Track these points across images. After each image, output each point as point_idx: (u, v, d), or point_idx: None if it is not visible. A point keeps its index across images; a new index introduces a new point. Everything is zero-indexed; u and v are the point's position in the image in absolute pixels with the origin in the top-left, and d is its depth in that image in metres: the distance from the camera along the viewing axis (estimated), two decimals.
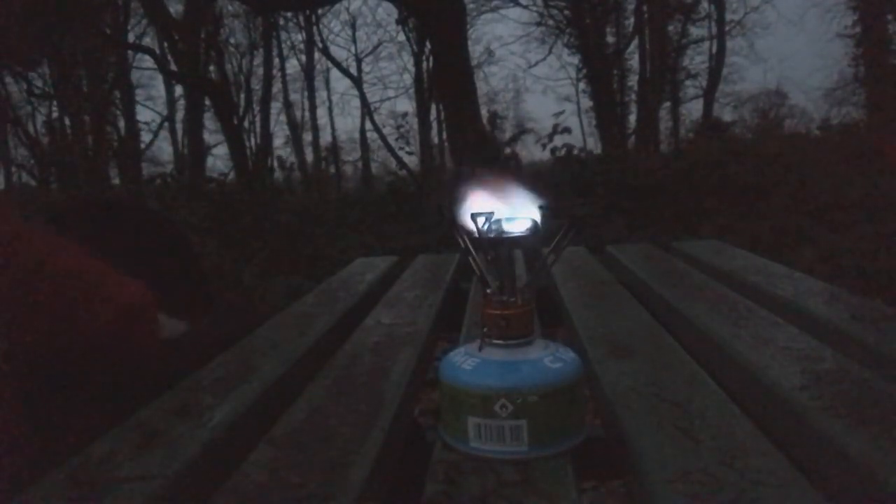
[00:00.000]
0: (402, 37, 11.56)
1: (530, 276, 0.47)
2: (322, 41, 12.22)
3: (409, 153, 8.61)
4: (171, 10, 9.53)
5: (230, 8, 10.50)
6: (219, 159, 11.13)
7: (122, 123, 12.76)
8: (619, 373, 0.57)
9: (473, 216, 0.44)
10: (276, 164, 10.70)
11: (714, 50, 11.77)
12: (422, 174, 7.57)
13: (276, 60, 12.24)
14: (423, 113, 11.27)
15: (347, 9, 12.17)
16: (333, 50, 13.49)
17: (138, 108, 13.05)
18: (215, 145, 11.27)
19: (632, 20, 11.92)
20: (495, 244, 0.45)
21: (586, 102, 12.11)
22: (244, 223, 4.70)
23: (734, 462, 0.40)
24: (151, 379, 0.54)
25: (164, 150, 14.12)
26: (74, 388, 0.58)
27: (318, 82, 13.37)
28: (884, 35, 10.02)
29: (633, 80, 11.92)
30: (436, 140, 11.55)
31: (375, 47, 13.12)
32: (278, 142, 12.85)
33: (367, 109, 12.46)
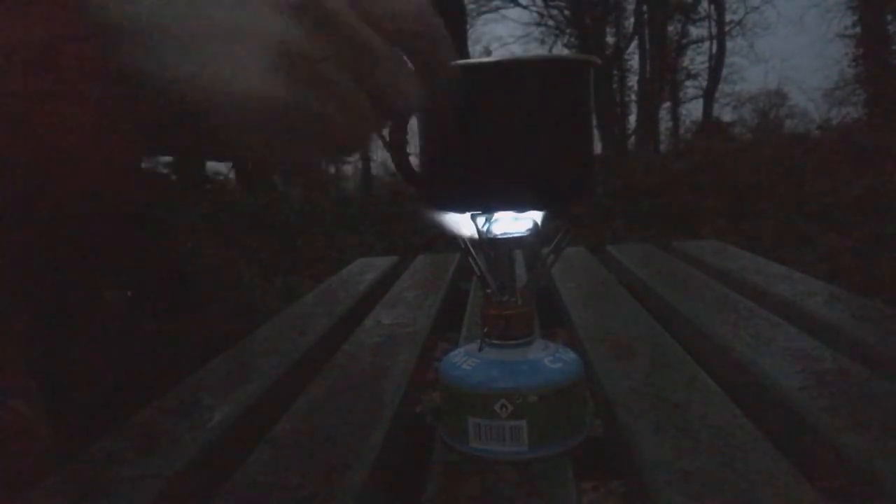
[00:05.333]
0: None
1: (530, 276, 0.47)
2: None
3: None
4: None
5: None
6: None
7: None
8: (619, 373, 0.57)
9: (473, 216, 0.44)
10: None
11: (714, 50, 11.78)
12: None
13: None
14: None
15: None
16: None
17: None
18: None
19: (632, 20, 11.93)
20: (495, 244, 0.45)
21: None
22: (244, 223, 4.70)
23: (734, 462, 0.40)
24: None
25: None
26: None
27: None
28: (884, 35, 10.02)
29: (633, 80, 11.93)
30: None
31: None
32: None
33: None
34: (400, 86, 0.31)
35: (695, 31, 12.04)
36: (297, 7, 0.29)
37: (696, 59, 12.22)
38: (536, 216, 0.45)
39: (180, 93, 0.28)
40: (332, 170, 13.05)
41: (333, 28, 0.29)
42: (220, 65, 0.28)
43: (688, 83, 12.30)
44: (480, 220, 0.44)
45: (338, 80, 0.30)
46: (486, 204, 0.43)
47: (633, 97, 11.76)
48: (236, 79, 0.28)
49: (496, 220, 0.44)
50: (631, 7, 11.84)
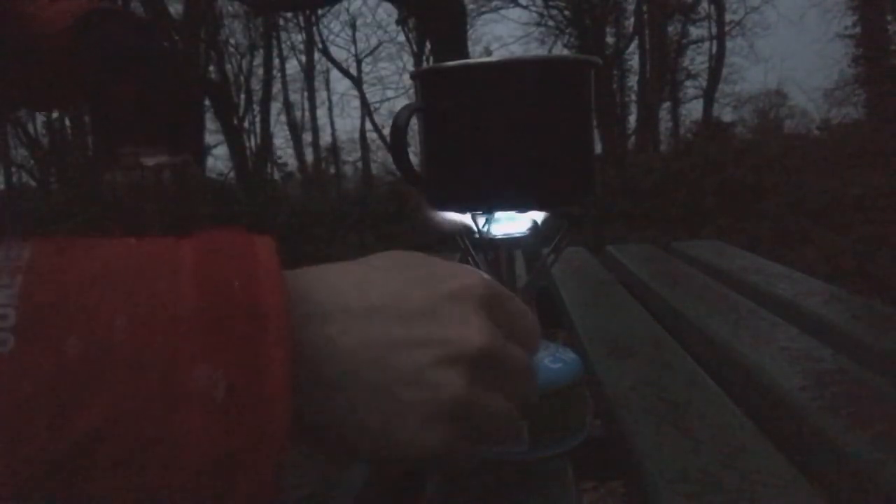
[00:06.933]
0: (401, 37, 11.54)
1: (530, 276, 0.47)
2: (322, 41, 12.21)
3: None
4: (171, 10, 9.54)
5: (230, 8, 10.48)
6: (219, 159, 11.09)
7: None
8: (619, 373, 0.57)
9: (473, 216, 0.44)
10: (275, 169, 10.68)
11: (714, 50, 11.77)
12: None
13: (276, 61, 12.22)
14: None
15: (347, 9, 12.14)
16: (333, 50, 13.47)
17: None
18: (215, 145, 11.24)
19: (632, 20, 11.92)
20: (495, 244, 0.45)
21: None
22: (244, 223, 4.70)
23: (734, 462, 0.40)
24: None
25: None
26: None
27: (318, 82, 13.33)
28: (884, 35, 10.01)
29: (633, 80, 11.92)
30: None
31: (375, 48, 13.09)
32: (278, 142, 12.82)
33: (366, 110, 12.45)
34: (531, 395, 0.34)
35: (695, 31, 12.02)
36: (476, 356, 0.29)
37: (696, 59, 12.20)
38: (536, 216, 0.45)
39: (361, 445, 0.28)
40: (332, 170, 13.05)
41: (508, 375, 0.31)
42: (406, 418, 0.28)
43: (688, 83, 12.28)
44: (480, 220, 0.44)
45: (498, 422, 0.31)
46: (486, 204, 0.43)
47: (633, 97, 11.74)
48: (416, 434, 0.28)
49: (496, 220, 0.44)
50: (631, 7, 11.82)
